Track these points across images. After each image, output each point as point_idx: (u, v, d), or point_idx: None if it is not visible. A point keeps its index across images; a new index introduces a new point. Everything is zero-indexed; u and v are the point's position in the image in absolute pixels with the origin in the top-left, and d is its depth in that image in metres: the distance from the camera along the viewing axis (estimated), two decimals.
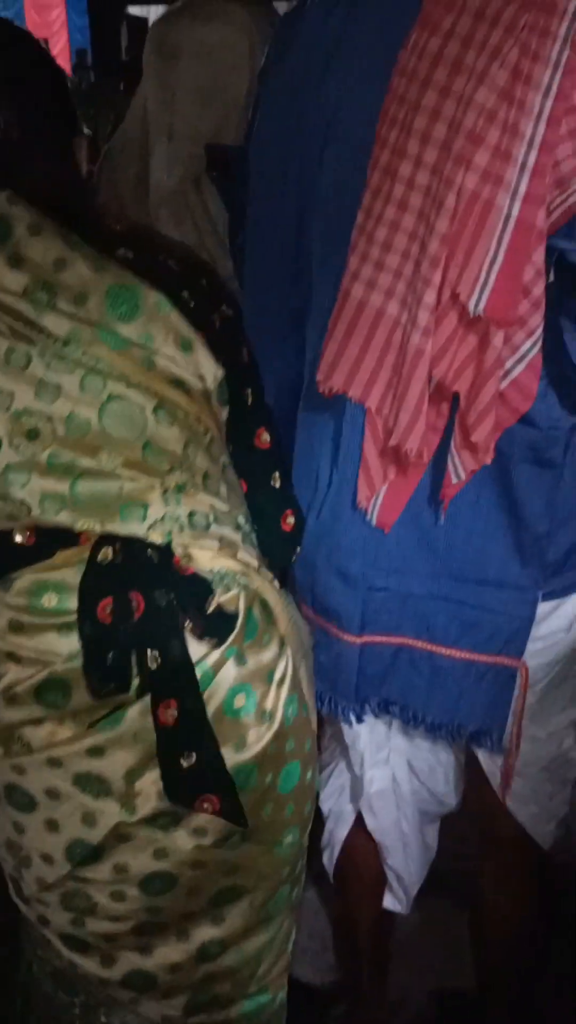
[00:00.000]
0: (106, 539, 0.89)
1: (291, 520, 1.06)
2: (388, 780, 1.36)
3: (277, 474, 1.06)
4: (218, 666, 0.92)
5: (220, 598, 0.92)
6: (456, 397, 0.97)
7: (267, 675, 0.96)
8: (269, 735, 0.96)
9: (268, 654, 0.97)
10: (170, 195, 1.66)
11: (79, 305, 0.85)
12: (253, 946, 1.06)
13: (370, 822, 1.38)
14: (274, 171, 1.13)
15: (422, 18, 0.90)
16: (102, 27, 8.26)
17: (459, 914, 1.51)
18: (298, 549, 1.10)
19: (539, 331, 0.92)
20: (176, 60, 1.56)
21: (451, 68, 0.88)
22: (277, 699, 0.97)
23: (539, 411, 1.00)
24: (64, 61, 9.71)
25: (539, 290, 0.89)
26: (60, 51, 9.78)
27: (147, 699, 0.90)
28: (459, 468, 1.01)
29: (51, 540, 0.89)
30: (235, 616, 0.93)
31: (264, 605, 0.97)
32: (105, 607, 0.88)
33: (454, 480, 1.02)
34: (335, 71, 1.02)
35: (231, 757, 0.94)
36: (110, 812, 0.93)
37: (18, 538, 0.89)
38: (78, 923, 0.99)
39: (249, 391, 1.00)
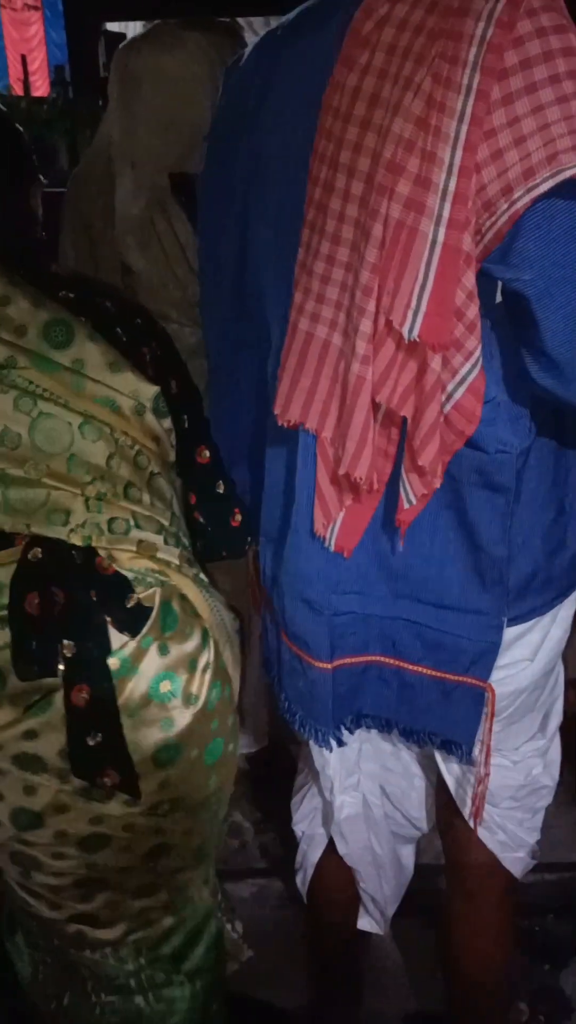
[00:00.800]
0: (36, 540, 1.00)
1: (239, 517, 1.21)
2: (358, 805, 1.36)
3: (220, 482, 1.20)
4: (138, 656, 1.03)
5: (140, 595, 1.04)
6: (405, 423, 0.98)
7: (190, 663, 1.08)
8: (193, 716, 1.08)
9: (191, 644, 1.08)
10: (137, 222, 1.66)
11: (18, 336, 0.97)
12: (183, 880, 1.22)
13: (341, 847, 1.39)
14: (215, 210, 1.15)
15: (342, 56, 0.92)
16: (79, 43, 8.28)
17: (432, 934, 1.51)
18: (249, 539, 1.24)
19: (477, 353, 0.93)
20: (138, 89, 1.56)
21: (369, 102, 0.90)
22: (201, 684, 1.09)
23: (486, 435, 1.01)
24: (42, 77, 9.73)
25: (472, 313, 0.90)
26: (38, 67, 9.80)
27: None
28: (410, 493, 1.02)
29: None
30: (151, 610, 1.04)
31: (184, 600, 1.09)
32: (32, 600, 1.00)
33: (406, 505, 1.03)
34: (266, 111, 1.04)
35: (158, 736, 1.06)
36: (48, 785, 1.05)
37: None
38: (26, 875, 1.14)
39: (185, 416, 1.14)
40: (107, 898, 1.16)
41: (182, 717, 1.08)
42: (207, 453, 1.17)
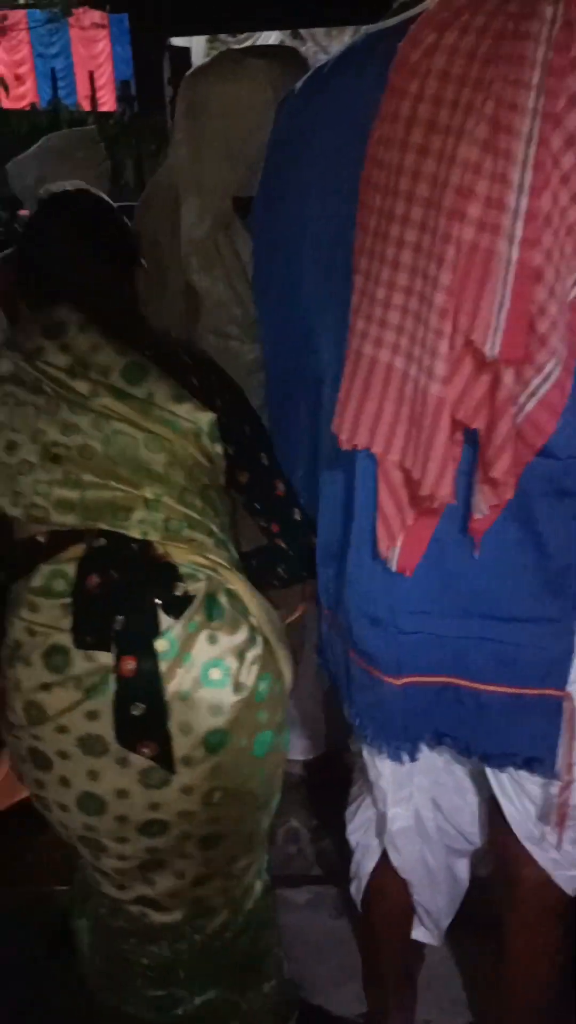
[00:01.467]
0: (101, 534, 1.19)
1: (313, 540, 1.31)
2: (411, 818, 1.38)
3: (296, 510, 1.33)
4: (188, 642, 1.18)
5: (189, 585, 1.20)
6: (467, 435, 0.99)
7: (239, 653, 1.21)
8: (241, 705, 1.20)
9: (240, 636, 1.21)
10: (201, 243, 1.71)
11: (103, 375, 1.18)
12: (237, 869, 1.35)
13: (395, 859, 1.40)
14: (267, 241, 1.19)
15: (390, 87, 0.94)
16: (145, 58, 8.43)
17: (487, 947, 1.51)
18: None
19: (548, 367, 0.94)
20: (203, 117, 1.60)
21: (426, 128, 0.92)
22: (250, 674, 1.21)
23: (558, 442, 1.01)
24: (109, 92, 9.95)
25: (544, 326, 0.92)
26: (105, 82, 10.03)
27: None
28: (481, 504, 1.02)
29: (62, 539, 1.20)
30: (195, 597, 1.19)
31: (232, 595, 1.23)
32: (92, 580, 1.19)
33: (477, 516, 1.04)
34: (314, 145, 1.07)
35: (209, 721, 1.19)
36: (109, 769, 1.17)
37: (40, 539, 1.21)
38: (95, 858, 1.28)
39: (263, 455, 1.31)
40: (168, 884, 1.29)
41: (231, 705, 1.19)
42: (282, 487, 1.32)
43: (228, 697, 1.19)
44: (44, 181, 1.88)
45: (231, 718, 1.20)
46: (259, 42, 10.46)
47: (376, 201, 0.98)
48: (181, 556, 1.20)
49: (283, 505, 1.32)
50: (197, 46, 10.17)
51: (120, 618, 1.17)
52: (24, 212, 4.18)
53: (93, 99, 8.88)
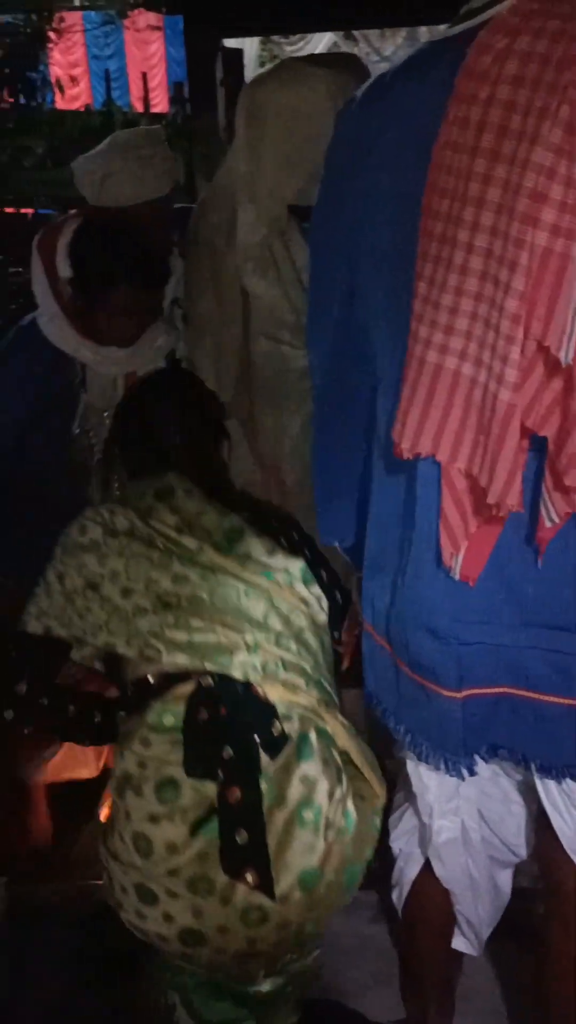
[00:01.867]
0: (208, 675, 1.30)
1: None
2: (457, 830, 1.37)
3: (337, 592, 1.53)
4: (284, 783, 1.26)
5: (285, 725, 1.30)
6: (533, 443, 0.98)
7: (329, 793, 1.28)
8: (332, 842, 1.27)
9: (330, 776, 1.30)
10: (256, 249, 1.71)
11: (207, 535, 1.36)
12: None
13: (438, 870, 1.40)
14: (325, 248, 1.18)
15: (459, 92, 0.94)
16: (199, 60, 8.50)
17: (527, 958, 1.50)
18: None
19: None
20: (263, 125, 1.60)
21: (497, 133, 0.92)
22: (337, 813, 1.29)
23: None
24: (162, 94, 10.03)
25: None
26: (158, 84, 10.12)
27: None
28: (552, 512, 1.01)
29: (171, 679, 1.32)
30: (290, 738, 1.29)
31: (323, 733, 1.33)
32: (201, 715, 1.29)
33: (548, 524, 1.02)
34: (377, 152, 1.07)
35: (302, 861, 1.25)
36: (213, 909, 1.23)
37: (151, 679, 1.33)
38: (188, 961, 1.32)
39: (336, 592, 1.50)
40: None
41: (322, 845, 1.26)
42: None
43: (319, 838, 1.26)
44: (110, 178, 1.92)
45: (322, 857, 1.26)
46: (312, 43, 10.49)
47: (442, 206, 0.98)
48: (277, 695, 1.32)
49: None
50: (250, 48, 10.22)
51: (228, 749, 1.27)
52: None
53: (146, 100, 8.96)
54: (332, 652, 1.47)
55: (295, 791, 1.26)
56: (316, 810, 1.26)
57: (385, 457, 1.14)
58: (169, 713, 1.29)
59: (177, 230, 2.04)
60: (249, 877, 1.22)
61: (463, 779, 1.24)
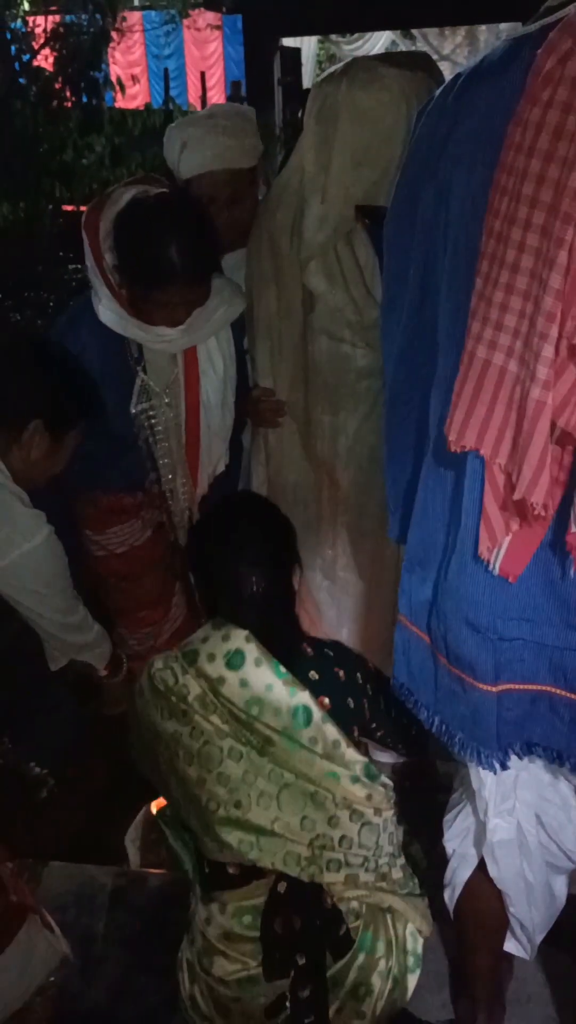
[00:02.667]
0: (281, 876, 1.42)
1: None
2: (513, 831, 1.37)
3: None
4: (345, 975, 1.46)
5: (351, 923, 1.47)
6: None
7: (382, 973, 1.49)
8: (375, 1008, 1.48)
9: (379, 960, 1.50)
10: (320, 248, 1.71)
11: (275, 716, 1.38)
12: None
13: (492, 870, 1.39)
14: (400, 248, 1.19)
15: (527, 92, 0.94)
16: (257, 59, 8.52)
17: None
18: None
19: None
20: (334, 124, 1.59)
21: (553, 134, 0.92)
22: (386, 984, 1.50)
23: None
24: (219, 92, 10.10)
25: None
26: (216, 83, 10.19)
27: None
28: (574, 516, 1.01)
29: (249, 872, 1.43)
30: (354, 941, 1.47)
31: (382, 917, 1.52)
32: (277, 924, 1.44)
33: (573, 528, 1.02)
34: (451, 151, 1.07)
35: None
36: None
37: (230, 870, 1.44)
38: None
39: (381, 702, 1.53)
40: None
41: (369, 1012, 1.48)
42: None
43: (368, 1008, 1.48)
44: (188, 144, 1.96)
45: (369, 1018, 1.48)
46: (370, 42, 10.45)
47: (503, 206, 0.99)
48: (340, 891, 1.45)
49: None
50: (307, 47, 10.23)
51: (300, 956, 1.43)
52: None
53: (203, 99, 9.02)
54: (396, 833, 1.54)
55: (352, 976, 1.46)
56: (369, 988, 1.47)
57: (435, 452, 1.15)
58: (248, 912, 1.45)
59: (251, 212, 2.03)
60: None
61: (494, 772, 1.25)
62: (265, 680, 1.38)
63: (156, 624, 2.26)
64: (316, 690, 1.42)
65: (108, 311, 1.84)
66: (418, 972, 1.55)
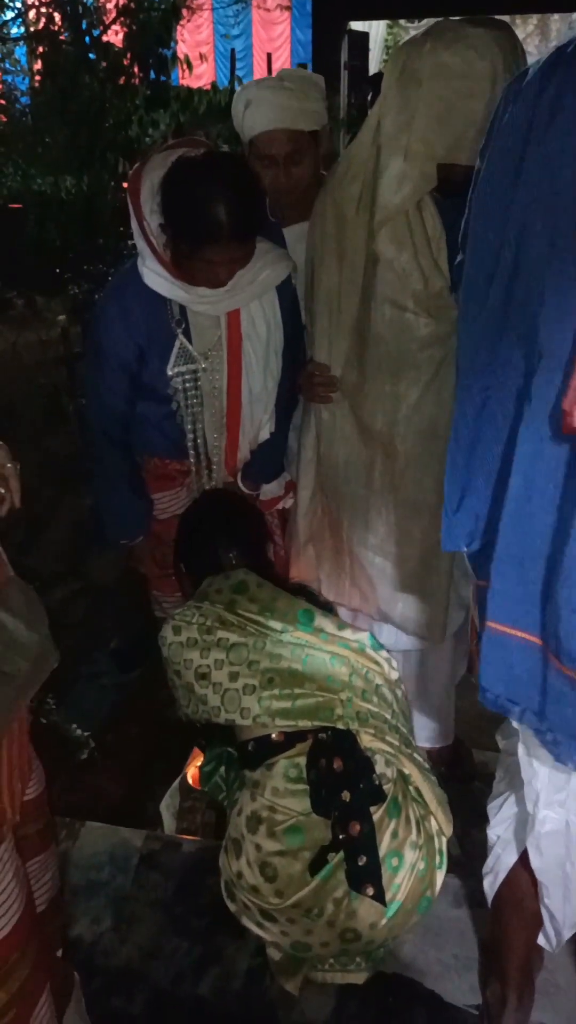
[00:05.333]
0: (321, 730, 1.57)
1: None
2: (562, 823, 1.34)
3: None
4: (380, 835, 1.54)
5: (380, 769, 1.58)
6: None
7: (413, 844, 1.57)
8: (411, 881, 1.56)
9: (411, 830, 1.58)
10: (394, 211, 1.69)
11: (286, 618, 1.62)
12: None
13: (535, 860, 1.37)
14: (490, 224, 1.14)
15: None
16: (325, 42, 8.47)
17: None
18: None
19: None
20: (418, 83, 1.57)
21: None
22: (417, 858, 1.57)
23: None
24: None
25: None
26: (281, 65, 10.14)
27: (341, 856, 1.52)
28: None
29: (292, 737, 1.58)
30: (385, 795, 1.56)
31: (407, 780, 1.62)
32: (322, 764, 1.56)
33: None
34: (556, 127, 1.03)
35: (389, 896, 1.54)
36: (321, 929, 1.54)
37: (274, 736, 1.58)
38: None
39: None
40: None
41: (403, 883, 1.55)
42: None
43: (403, 879, 1.55)
44: (250, 104, 1.97)
45: (404, 893, 1.55)
46: None
47: None
48: (369, 741, 1.58)
49: None
50: (376, 32, 10.15)
51: (346, 793, 1.54)
52: None
53: None
54: (406, 701, 1.73)
55: (385, 844, 1.54)
56: (400, 858, 1.55)
57: (540, 436, 1.11)
58: (294, 767, 1.57)
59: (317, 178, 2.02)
60: (369, 890, 1.51)
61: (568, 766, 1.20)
62: (269, 595, 1.65)
63: None
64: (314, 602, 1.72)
65: (151, 272, 1.85)
66: (444, 871, 1.61)
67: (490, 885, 1.49)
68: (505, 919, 1.52)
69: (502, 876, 1.46)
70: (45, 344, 5.40)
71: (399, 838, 1.55)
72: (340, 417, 2.00)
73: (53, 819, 1.51)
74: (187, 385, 1.99)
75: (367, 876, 1.52)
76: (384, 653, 1.68)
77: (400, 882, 1.54)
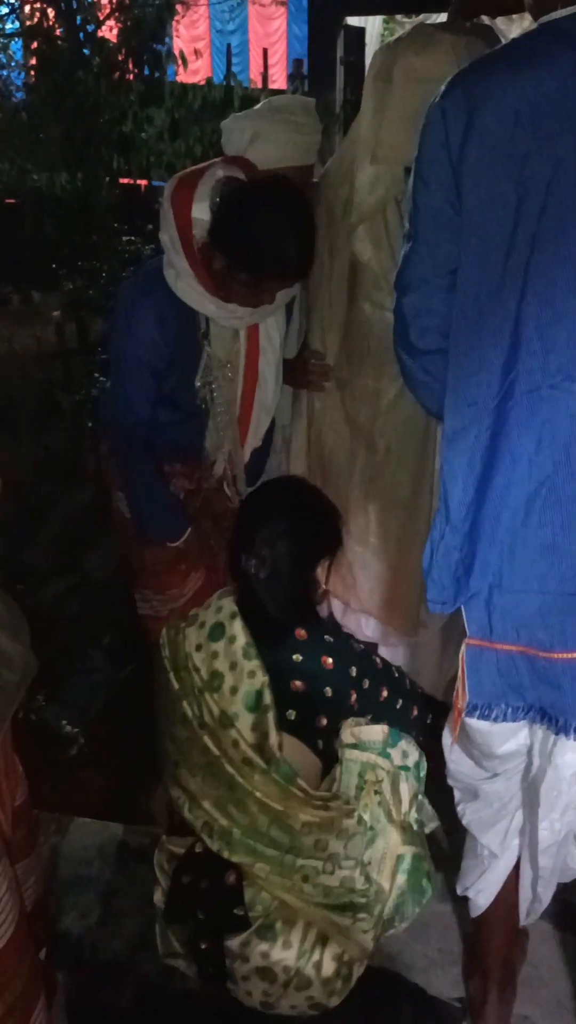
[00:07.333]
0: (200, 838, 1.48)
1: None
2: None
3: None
4: (245, 952, 1.44)
5: (254, 911, 1.45)
6: None
7: (285, 964, 1.44)
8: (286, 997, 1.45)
9: (288, 953, 1.43)
10: (369, 212, 1.71)
11: (229, 694, 1.47)
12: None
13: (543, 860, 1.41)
14: (493, 198, 1.14)
15: None
16: (321, 37, 8.45)
17: None
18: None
19: None
20: (388, 86, 1.61)
21: None
22: (288, 978, 1.44)
23: None
24: (281, 70, 10.04)
25: None
26: (278, 61, 10.12)
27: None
28: None
29: (184, 825, 1.51)
30: (249, 925, 1.45)
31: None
32: (184, 877, 1.51)
33: None
34: (569, 112, 1.05)
35: None
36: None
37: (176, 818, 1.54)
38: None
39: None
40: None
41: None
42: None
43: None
44: (259, 138, 1.91)
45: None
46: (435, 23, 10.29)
47: None
48: (251, 874, 1.44)
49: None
50: (372, 27, 10.11)
51: (200, 913, 1.47)
52: None
53: (265, 76, 8.97)
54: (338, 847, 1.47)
55: (253, 961, 1.44)
56: (273, 977, 1.44)
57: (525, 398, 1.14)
58: (170, 861, 1.54)
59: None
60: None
61: None
62: (232, 658, 1.46)
63: (179, 587, 2.28)
64: (292, 672, 1.47)
65: (186, 285, 1.84)
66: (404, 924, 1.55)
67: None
68: (485, 913, 1.54)
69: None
70: (40, 340, 5.41)
71: (269, 958, 1.43)
72: (331, 408, 2.05)
73: (37, 822, 1.52)
74: (213, 395, 2.02)
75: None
76: (297, 790, 1.42)
77: (273, 992, 1.45)
